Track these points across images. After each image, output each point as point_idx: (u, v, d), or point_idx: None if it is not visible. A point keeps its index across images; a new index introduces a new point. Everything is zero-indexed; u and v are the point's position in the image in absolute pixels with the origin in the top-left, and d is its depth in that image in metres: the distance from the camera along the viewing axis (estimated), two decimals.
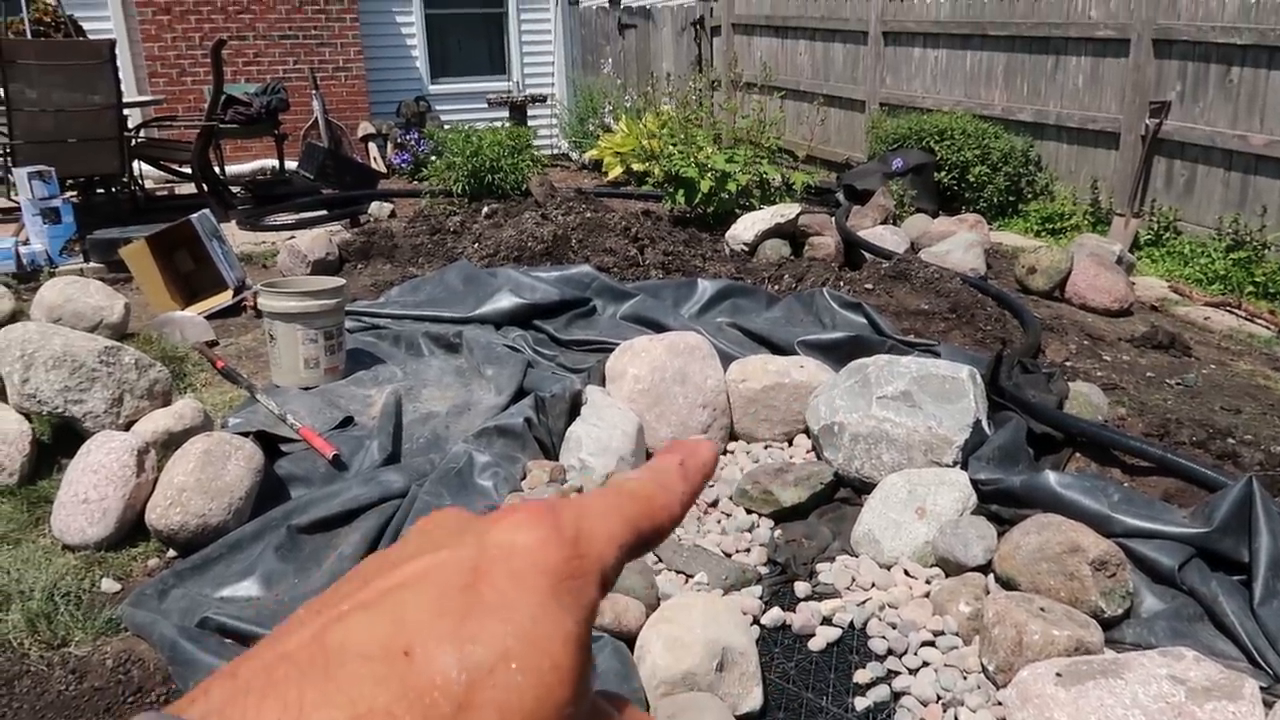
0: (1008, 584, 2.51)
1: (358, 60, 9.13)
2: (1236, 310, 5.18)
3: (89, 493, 2.68)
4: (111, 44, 6.21)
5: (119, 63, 6.36)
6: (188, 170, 6.83)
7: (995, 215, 6.89)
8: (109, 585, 2.55)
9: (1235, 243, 5.66)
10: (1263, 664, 2.25)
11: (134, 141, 6.73)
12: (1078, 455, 3.22)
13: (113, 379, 3.13)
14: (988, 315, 4.39)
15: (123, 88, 6.36)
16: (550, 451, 3.19)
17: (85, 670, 2.23)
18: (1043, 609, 2.26)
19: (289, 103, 7.73)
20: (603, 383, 3.50)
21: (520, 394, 3.46)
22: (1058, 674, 2.03)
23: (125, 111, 6.37)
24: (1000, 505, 2.84)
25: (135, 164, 6.74)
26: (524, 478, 2.99)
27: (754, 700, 2.13)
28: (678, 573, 2.63)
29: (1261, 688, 2.04)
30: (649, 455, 3.30)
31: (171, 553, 2.70)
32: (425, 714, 0.23)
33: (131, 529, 2.73)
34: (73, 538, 2.66)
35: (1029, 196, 7.00)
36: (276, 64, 8.84)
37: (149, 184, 7.46)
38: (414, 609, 0.25)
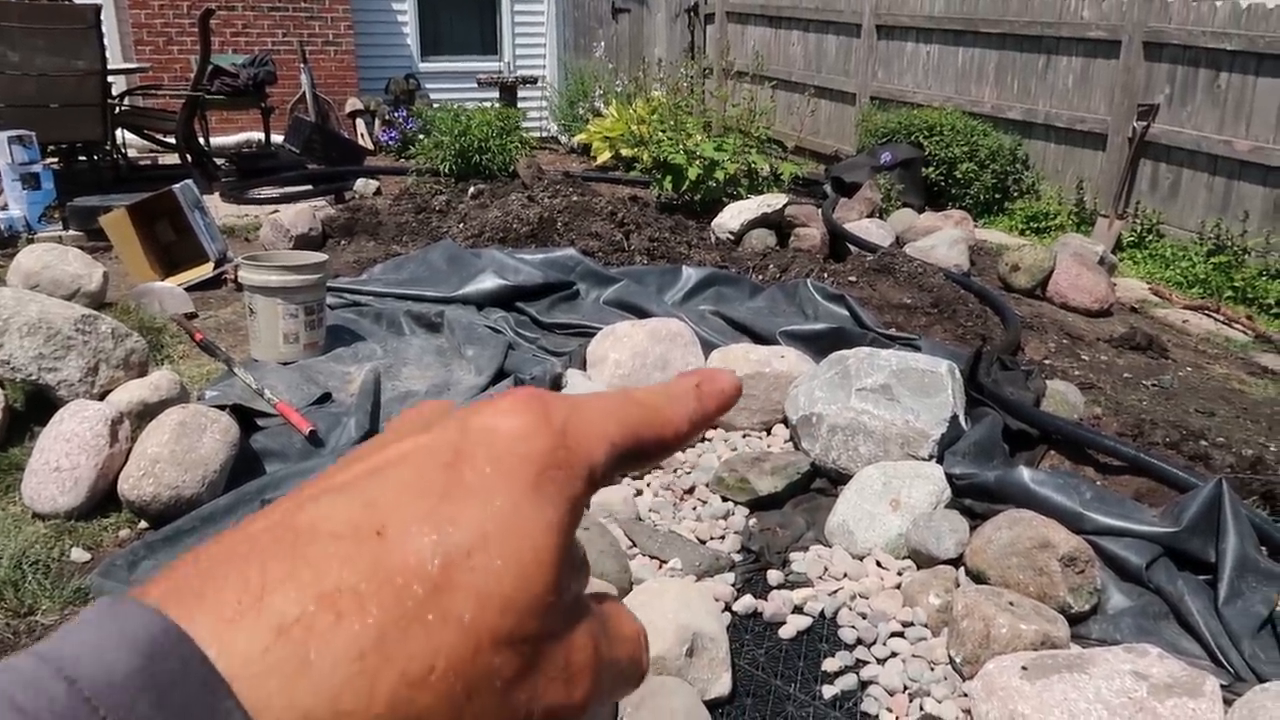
0: (978, 578, 2.53)
1: (348, 35, 9.04)
2: (1215, 314, 5.23)
3: (61, 461, 2.65)
4: (97, 9, 6.12)
5: (104, 28, 6.27)
6: (172, 140, 6.76)
7: (981, 212, 6.91)
8: (79, 555, 2.53)
9: (1216, 247, 5.70)
10: (1224, 662, 2.28)
11: (118, 109, 6.65)
12: (1052, 453, 3.25)
13: (89, 348, 3.10)
14: (969, 311, 4.41)
15: (107, 54, 6.28)
16: None
17: None
18: (1011, 603, 2.28)
19: (277, 75, 7.65)
20: (584, 367, 3.50)
21: (500, 375, 3.45)
22: (1023, 667, 2.05)
23: (109, 78, 6.29)
24: (974, 500, 2.86)
25: (118, 132, 6.66)
26: None
27: (723, 686, 2.14)
28: (651, 558, 2.64)
29: (1222, 685, 2.07)
30: None
31: (143, 524, 2.68)
32: (396, 595, 0.22)
33: (103, 499, 2.71)
34: (43, 506, 2.64)
35: (1015, 195, 7.03)
36: (265, 35, 8.75)
37: (132, 153, 7.38)
38: (389, 489, 0.24)
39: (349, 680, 0.21)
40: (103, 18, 6.29)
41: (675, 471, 3.21)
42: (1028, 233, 6.65)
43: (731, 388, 0.31)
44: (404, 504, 0.24)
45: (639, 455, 0.28)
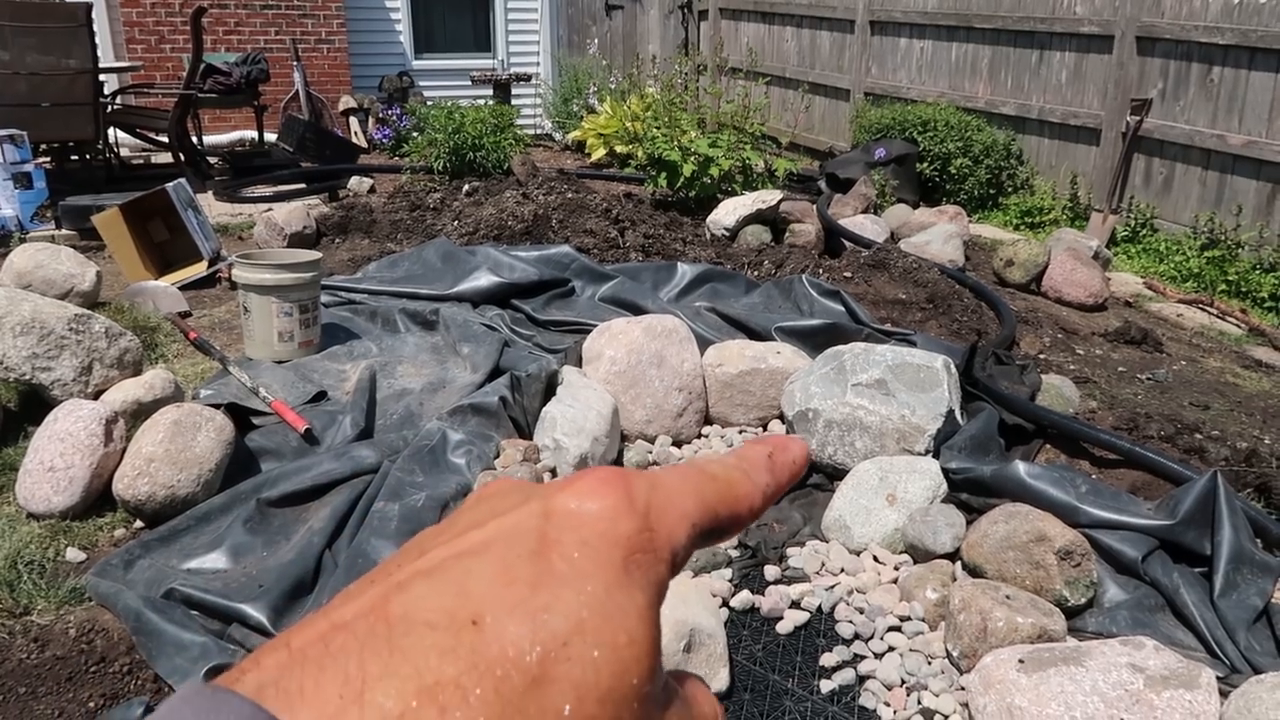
0: (975, 571, 2.53)
1: (340, 33, 9.02)
2: (1209, 308, 5.24)
3: (55, 461, 2.65)
4: (88, 7, 6.10)
5: (95, 27, 6.24)
6: (164, 139, 6.73)
7: (975, 207, 6.92)
8: (74, 555, 2.52)
9: (1210, 241, 5.72)
10: (1220, 654, 2.29)
11: (110, 108, 6.63)
12: (1048, 446, 3.26)
13: (82, 347, 3.09)
14: (964, 306, 4.42)
15: (99, 53, 6.25)
16: (525, 431, 3.18)
17: (47, 639, 2.21)
18: (1008, 597, 2.28)
19: (269, 74, 7.62)
20: (579, 364, 3.50)
21: (496, 373, 3.44)
22: (1020, 660, 2.05)
23: (101, 77, 6.27)
24: (970, 494, 2.86)
25: (111, 131, 6.64)
26: (497, 456, 2.98)
27: (721, 681, 2.15)
28: None
29: (1218, 677, 2.07)
30: (624, 437, 3.31)
31: (138, 523, 2.68)
32: (496, 687, 0.22)
33: (98, 499, 2.70)
34: (38, 506, 2.63)
35: (1009, 190, 7.04)
36: (257, 34, 8.72)
37: (125, 152, 7.35)
38: (480, 577, 0.24)
39: None
40: (94, 16, 6.26)
41: None
42: (1022, 228, 6.66)
43: (803, 457, 0.31)
44: (496, 593, 0.23)
45: (716, 532, 0.28)
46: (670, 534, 0.26)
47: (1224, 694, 2.01)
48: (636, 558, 0.25)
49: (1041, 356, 4.09)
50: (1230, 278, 5.49)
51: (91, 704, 2.07)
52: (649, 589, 0.25)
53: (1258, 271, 5.47)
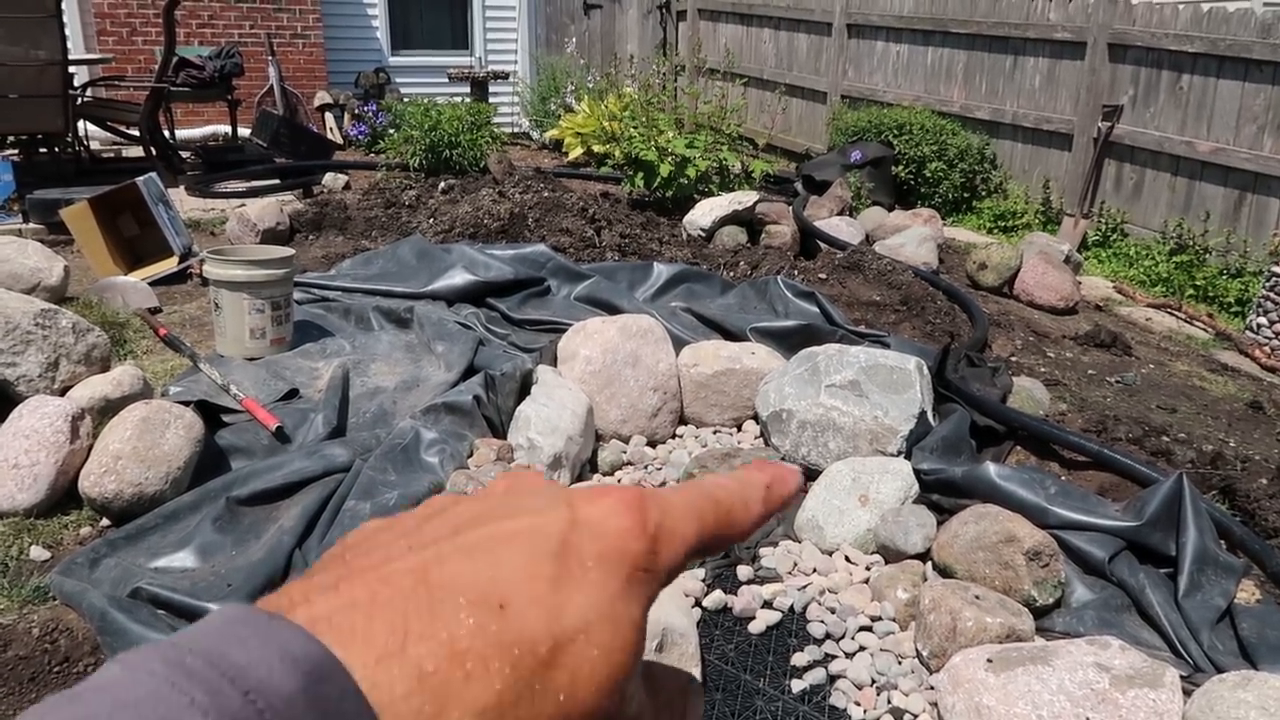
0: (945, 572, 2.55)
1: (316, 28, 8.94)
2: (1177, 312, 5.32)
3: (20, 458, 2.60)
4: None
5: (66, 18, 6.15)
6: (135, 132, 6.65)
7: (950, 211, 6.98)
8: (38, 553, 2.49)
9: (1178, 246, 5.80)
10: (1184, 654, 2.32)
11: (80, 100, 6.53)
12: (1018, 448, 3.29)
13: (48, 342, 3.04)
14: (938, 309, 4.45)
15: (69, 44, 6.16)
16: (499, 430, 3.17)
17: (10, 639, 2.17)
18: (977, 597, 2.30)
19: (244, 68, 7.54)
20: (554, 363, 3.49)
21: (470, 371, 3.43)
22: (989, 660, 2.07)
23: (71, 69, 6.18)
24: (941, 495, 2.88)
25: (81, 124, 6.54)
26: (471, 455, 2.97)
27: None
28: None
29: (1182, 676, 2.10)
30: (598, 437, 3.30)
31: (105, 522, 2.64)
32: (513, 663, 0.25)
33: (64, 496, 2.66)
34: (1, 504, 2.59)
35: (983, 194, 7.11)
36: (232, 27, 8.63)
37: (95, 145, 7.24)
38: (509, 566, 0.27)
39: None
40: (64, 6, 6.17)
41: (646, 468, 3.21)
42: (995, 231, 6.72)
43: (795, 490, 0.34)
44: (522, 583, 0.27)
45: (706, 552, 0.31)
46: (670, 557, 0.30)
47: (1187, 693, 2.04)
48: (639, 575, 0.28)
49: (1013, 359, 4.13)
50: (1198, 283, 5.57)
51: None
52: (643, 602, 0.29)
53: (1224, 277, 5.56)
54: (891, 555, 2.67)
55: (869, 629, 2.41)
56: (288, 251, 3.75)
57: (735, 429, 3.47)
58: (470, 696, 0.25)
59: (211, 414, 3.06)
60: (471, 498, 0.31)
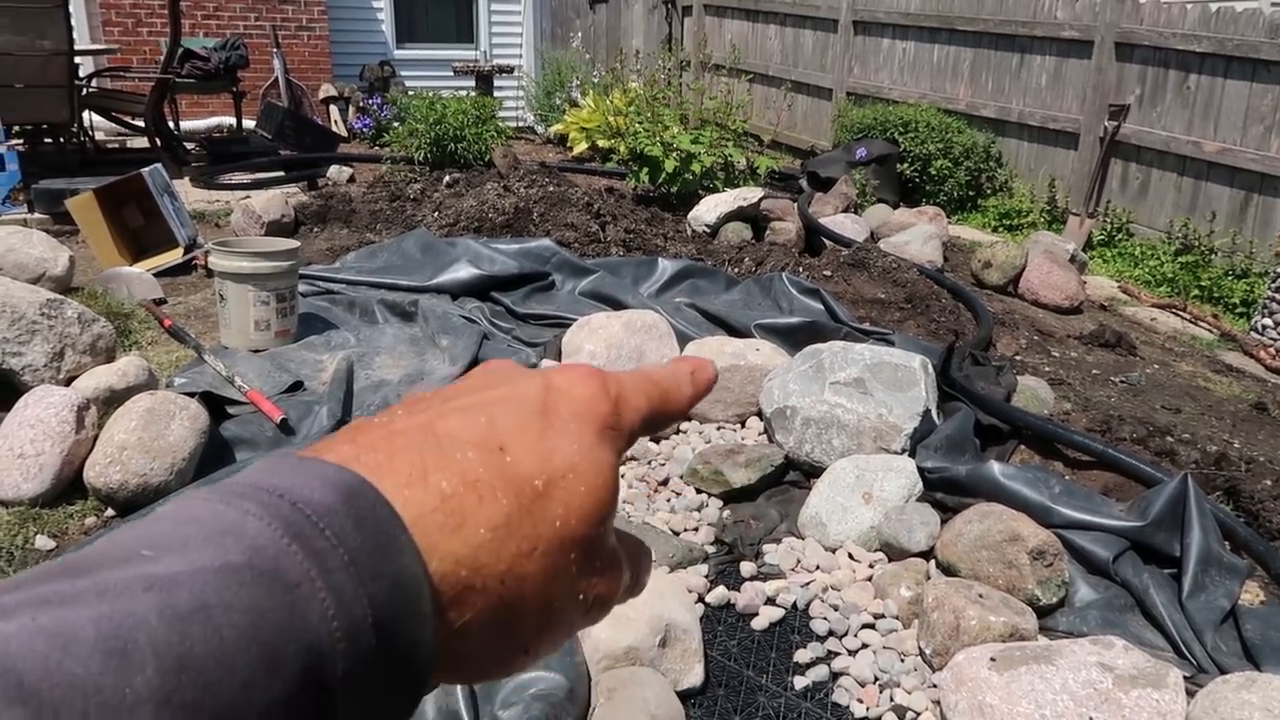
0: (948, 570, 2.55)
1: (322, 20, 8.94)
2: (1182, 312, 5.31)
3: (25, 448, 2.61)
4: None
5: (71, 8, 6.14)
6: (140, 123, 6.64)
7: (955, 209, 6.97)
8: (43, 542, 2.49)
9: (1184, 247, 5.79)
10: (1188, 654, 2.32)
11: (85, 91, 6.53)
12: (1023, 447, 3.29)
13: (54, 332, 3.05)
14: (942, 307, 4.45)
15: (74, 34, 6.16)
16: None
17: None
18: (981, 595, 2.30)
19: (249, 60, 7.55)
20: (559, 358, 3.49)
21: (475, 365, 3.41)
22: (992, 659, 2.07)
23: (77, 59, 6.17)
24: (945, 493, 2.88)
25: (86, 114, 6.54)
26: None
27: (695, 677, 2.15)
28: None
29: (1185, 677, 2.10)
30: None
31: (110, 512, 2.64)
32: (515, 493, 0.30)
33: (69, 486, 2.67)
34: (6, 493, 2.59)
35: (988, 192, 7.09)
36: (237, 19, 8.62)
37: (100, 135, 7.25)
38: (503, 420, 0.32)
39: (486, 542, 0.29)
40: None
41: (649, 463, 3.21)
42: (1000, 230, 6.71)
43: (714, 376, 0.41)
44: (516, 433, 0.32)
45: (655, 424, 0.37)
46: (630, 419, 0.35)
47: (1190, 694, 2.04)
48: (608, 431, 0.34)
49: (1017, 358, 4.13)
50: (1203, 283, 5.56)
51: None
52: (615, 453, 0.34)
53: (1230, 278, 5.55)
54: (895, 553, 2.67)
55: (872, 627, 2.41)
56: (293, 244, 3.75)
57: (739, 425, 3.47)
58: (484, 515, 0.30)
59: (216, 406, 3.06)
60: (452, 385, 0.35)
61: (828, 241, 5.39)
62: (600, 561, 0.33)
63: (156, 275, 4.37)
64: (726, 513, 2.89)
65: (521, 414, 0.32)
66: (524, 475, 0.31)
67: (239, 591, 0.24)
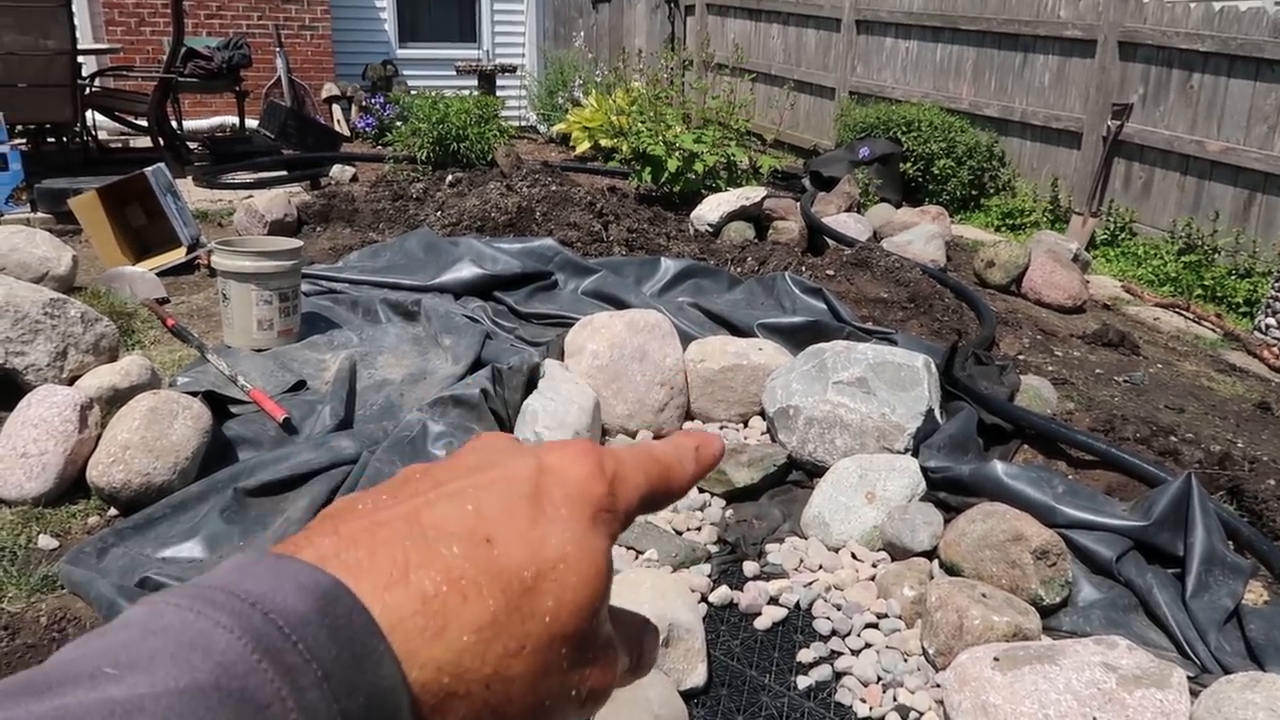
0: (952, 570, 2.55)
1: (324, 19, 8.94)
2: (1185, 312, 5.30)
3: (28, 447, 2.61)
4: None
5: (74, 8, 6.15)
6: (143, 123, 6.65)
7: (958, 208, 6.96)
8: (46, 542, 2.49)
9: (1187, 246, 5.78)
10: (1191, 654, 2.32)
11: (88, 90, 6.54)
12: (1026, 447, 3.28)
13: (57, 332, 3.05)
14: (945, 306, 4.44)
15: (77, 34, 6.17)
16: (505, 424, 3.17)
17: (18, 627, 2.18)
18: (984, 595, 2.30)
19: (251, 59, 7.55)
20: (561, 357, 3.49)
21: (477, 365, 3.43)
22: (995, 658, 2.07)
23: (80, 59, 6.18)
24: (948, 493, 2.88)
25: (89, 114, 6.55)
26: None
27: (698, 676, 2.15)
28: (628, 548, 2.64)
29: (1189, 677, 2.10)
30: (605, 431, 3.30)
31: (113, 511, 2.65)
32: (503, 589, 0.29)
33: (72, 485, 2.67)
34: (10, 492, 2.59)
35: (991, 191, 7.08)
36: (240, 18, 8.63)
37: (103, 135, 7.26)
38: (491, 506, 0.31)
39: (470, 646, 0.28)
40: None
41: None
42: (1003, 229, 6.70)
43: (721, 451, 0.39)
44: (504, 522, 0.30)
45: (654, 503, 0.36)
46: (626, 500, 0.33)
47: (1194, 693, 2.03)
48: (603, 514, 0.32)
49: (1020, 357, 4.12)
50: (1206, 283, 5.55)
51: None
52: (608, 538, 0.32)
53: (1233, 277, 5.54)
54: (898, 553, 2.67)
55: (875, 626, 2.41)
56: (295, 243, 3.75)
57: (742, 425, 3.47)
58: (469, 616, 0.28)
59: (219, 405, 3.07)
60: (444, 462, 0.34)
61: (830, 241, 5.38)
62: (593, 652, 0.31)
63: (159, 274, 4.37)
64: (729, 512, 2.88)
65: (511, 499, 0.31)
66: (513, 568, 0.29)
67: (204, 716, 0.22)
